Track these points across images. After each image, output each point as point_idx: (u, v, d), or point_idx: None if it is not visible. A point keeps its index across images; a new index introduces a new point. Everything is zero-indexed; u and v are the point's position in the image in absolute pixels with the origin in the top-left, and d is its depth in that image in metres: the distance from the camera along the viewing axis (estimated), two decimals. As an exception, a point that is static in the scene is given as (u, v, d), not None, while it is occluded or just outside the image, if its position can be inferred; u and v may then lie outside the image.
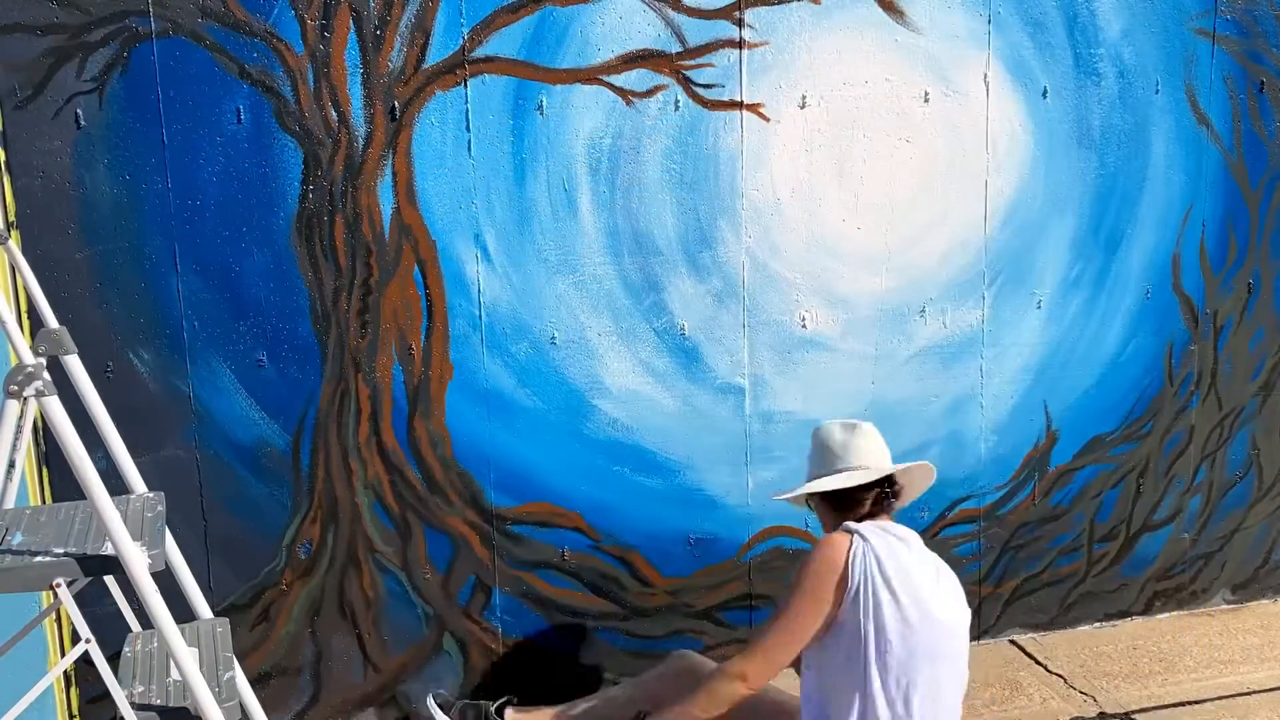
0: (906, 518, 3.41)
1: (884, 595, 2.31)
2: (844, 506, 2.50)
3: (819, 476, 2.53)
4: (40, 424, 2.76)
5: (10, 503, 2.10)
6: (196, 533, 2.95)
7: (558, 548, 3.21)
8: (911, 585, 2.33)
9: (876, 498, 2.50)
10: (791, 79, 3.11)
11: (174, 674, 2.10)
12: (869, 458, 2.51)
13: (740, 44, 3.06)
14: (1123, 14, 3.29)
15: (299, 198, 2.87)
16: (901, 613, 2.31)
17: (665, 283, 3.14)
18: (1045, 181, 3.34)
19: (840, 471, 2.50)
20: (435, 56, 2.89)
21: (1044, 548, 3.57)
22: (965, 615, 2.44)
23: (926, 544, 3.45)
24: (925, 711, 2.35)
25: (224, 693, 2.06)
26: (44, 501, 2.81)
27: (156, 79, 2.74)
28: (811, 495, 2.56)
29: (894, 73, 3.18)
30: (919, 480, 2.61)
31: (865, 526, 2.41)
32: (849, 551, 2.34)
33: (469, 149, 2.95)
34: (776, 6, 3.06)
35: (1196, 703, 3.24)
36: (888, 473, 2.50)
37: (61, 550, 1.83)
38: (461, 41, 2.90)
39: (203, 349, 2.88)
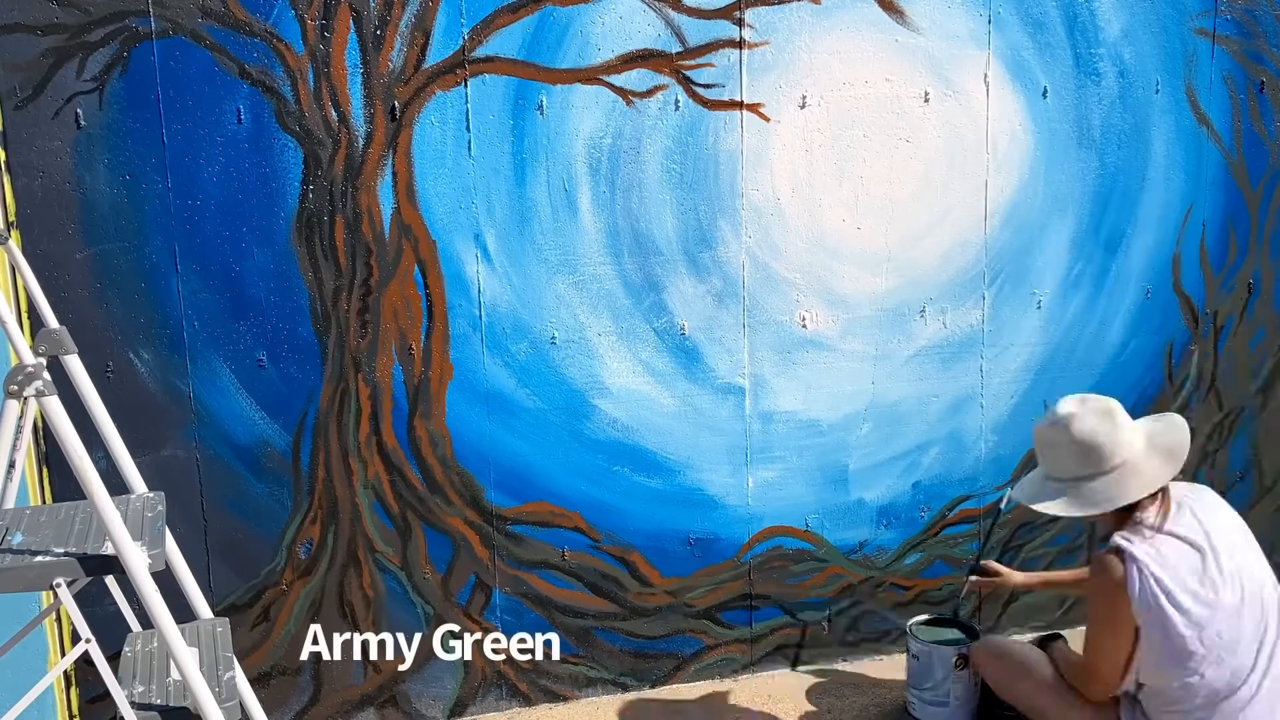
0: (906, 519, 3.44)
1: (1164, 604, 2.45)
2: (1126, 510, 2.58)
3: (1088, 478, 2.58)
4: (40, 424, 2.76)
5: (10, 503, 2.11)
6: (196, 533, 2.96)
7: (558, 548, 3.21)
8: (1189, 588, 2.46)
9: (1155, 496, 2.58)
10: (791, 79, 3.11)
11: (174, 674, 2.10)
12: (1128, 449, 2.57)
13: (740, 44, 3.06)
14: (1123, 14, 3.29)
15: (299, 198, 2.87)
16: (1185, 616, 2.45)
17: (665, 283, 3.14)
18: (1045, 181, 3.34)
19: (1109, 472, 2.57)
20: (435, 56, 2.89)
21: (1044, 548, 3.57)
22: (1256, 576, 2.52)
23: (926, 544, 3.48)
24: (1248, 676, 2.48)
25: (224, 693, 2.06)
26: (44, 501, 2.81)
27: (156, 79, 2.74)
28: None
29: (894, 73, 3.18)
30: (1180, 442, 2.64)
31: (1135, 543, 2.50)
32: (1124, 575, 2.48)
33: (469, 149, 2.95)
34: (776, 6, 3.06)
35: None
36: (1161, 484, 2.56)
37: (61, 550, 1.83)
38: (461, 41, 2.90)
39: (203, 349, 2.89)
